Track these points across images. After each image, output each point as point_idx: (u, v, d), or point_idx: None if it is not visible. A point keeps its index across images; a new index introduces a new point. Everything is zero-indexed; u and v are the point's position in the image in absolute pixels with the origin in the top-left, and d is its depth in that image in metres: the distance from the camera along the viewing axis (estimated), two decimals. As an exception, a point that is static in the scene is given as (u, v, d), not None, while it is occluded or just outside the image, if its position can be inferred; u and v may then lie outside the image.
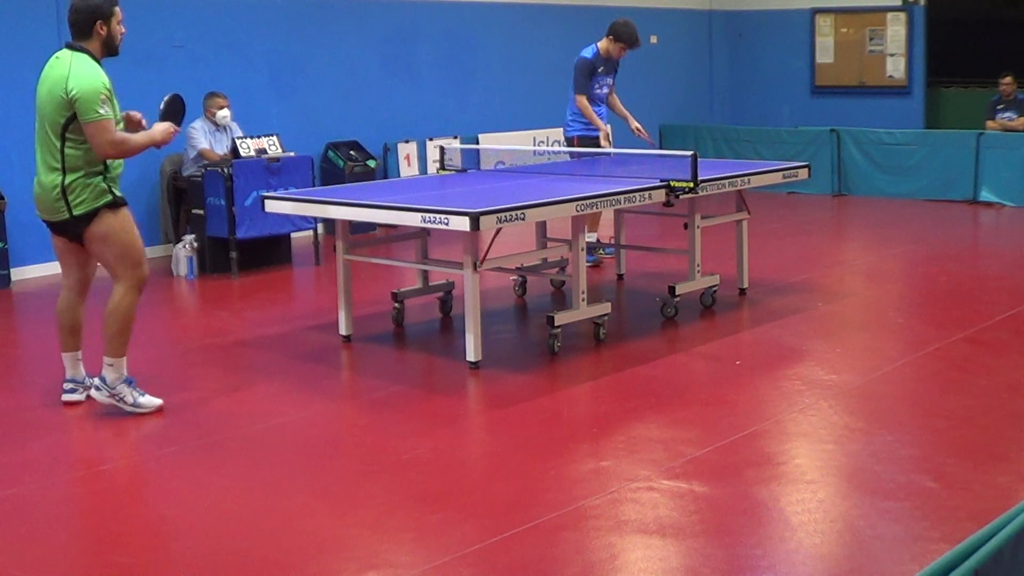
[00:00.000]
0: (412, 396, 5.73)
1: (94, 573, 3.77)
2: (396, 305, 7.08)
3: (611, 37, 8.50)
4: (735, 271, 7.74)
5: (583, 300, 6.35)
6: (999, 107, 12.68)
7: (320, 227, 9.61)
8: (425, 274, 7.27)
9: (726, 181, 7.09)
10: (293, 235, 9.49)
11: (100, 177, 5.14)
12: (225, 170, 8.70)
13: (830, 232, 11.31)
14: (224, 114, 9.37)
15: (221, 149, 9.35)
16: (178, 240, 9.21)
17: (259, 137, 9.19)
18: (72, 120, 5.02)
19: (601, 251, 8.87)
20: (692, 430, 5.03)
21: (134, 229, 5.29)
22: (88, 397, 5.36)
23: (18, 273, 8.80)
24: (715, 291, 7.34)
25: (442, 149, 8.26)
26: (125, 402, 5.15)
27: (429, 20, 12.03)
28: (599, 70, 8.58)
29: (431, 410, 5.48)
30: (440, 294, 7.34)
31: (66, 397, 5.45)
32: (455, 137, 11.77)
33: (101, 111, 4.98)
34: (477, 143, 11.89)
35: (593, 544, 3.86)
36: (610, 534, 3.93)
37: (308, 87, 10.99)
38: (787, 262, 9.05)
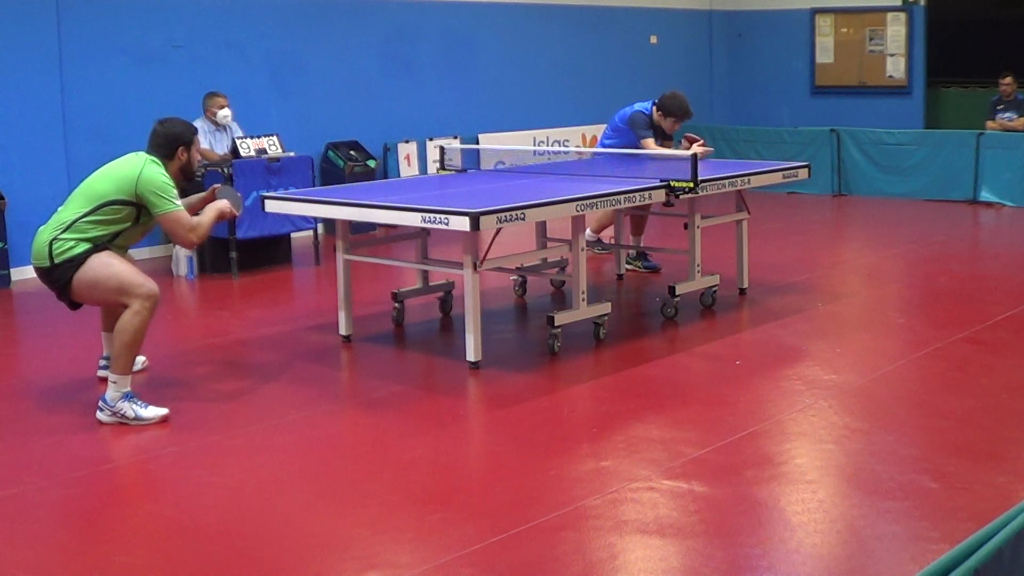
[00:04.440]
0: (412, 396, 5.73)
1: (95, 573, 3.77)
2: (396, 305, 7.08)
3: (660, 113, 8.02)
4: (735, 271, 7.74)
5: (583, 300, 6.35)
6: (999, 107, 12.69)
7: (320, 227, 9.62)
8: (425, 274, 7.27)
9: (726, 181, 7.10)
10: (293, 235, 9.49)
11: (94, 244, 5.25)
12: (225, 170, 8.70)
13: (830, 232, 11.31)
14: (225, 113, 9.37)
15: (221, 149, 9.35)
16: (178, 240, 9.20)
17: (259, 137, 9.19)
18: (116, 203, 5.22)
19: (598, 249, 8.87)
20: (692, 430, 5.03)
21: (116, 260, 5.29)
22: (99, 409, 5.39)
23: (18, 273, 8.80)
24: (715, 291, 7.34)
25: (442, 149, 8.26)
26: (127, 417, 5.19)
27: (429, 20, 12.03)
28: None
29: (431, 410, 5.48)
30: (440, 294, 7.34)
31: (100, 373, 5.79)
32: (455, 137, 11.77)
33: (177, 202, 5.29)
34: (477, 143, 11.90)
35: (593, 544, 3.86)
36: (610, 534, 3.93)
37: (308, 87, 10.99)
38: (787, 262, 9.05)
